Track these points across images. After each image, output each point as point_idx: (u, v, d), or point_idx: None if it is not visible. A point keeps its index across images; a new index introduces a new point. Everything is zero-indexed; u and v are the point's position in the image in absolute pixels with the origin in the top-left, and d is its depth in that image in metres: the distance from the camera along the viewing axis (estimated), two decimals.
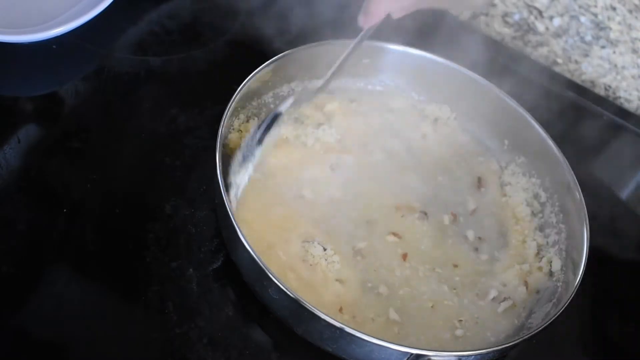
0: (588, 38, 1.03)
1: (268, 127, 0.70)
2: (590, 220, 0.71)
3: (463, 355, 0.60)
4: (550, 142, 0.77)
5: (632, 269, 0.83)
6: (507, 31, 1.05)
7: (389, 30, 0.91)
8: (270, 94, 0.79)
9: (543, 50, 1.04)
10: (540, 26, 1.04)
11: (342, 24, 0.89)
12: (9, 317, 0.62)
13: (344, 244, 0.70)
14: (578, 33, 1.03)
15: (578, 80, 1.03)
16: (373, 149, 0.79)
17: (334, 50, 0.80)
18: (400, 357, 0.59)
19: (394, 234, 0.72)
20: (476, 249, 0.74)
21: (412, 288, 0.69)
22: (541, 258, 0.74)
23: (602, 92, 1.02)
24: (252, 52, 0.90)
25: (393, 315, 0.67)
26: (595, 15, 1.01)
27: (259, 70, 0.73)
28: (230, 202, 0.63)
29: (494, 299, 0.70)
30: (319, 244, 0.69)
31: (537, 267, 0.74)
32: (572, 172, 0.75)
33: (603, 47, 1.01)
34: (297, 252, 0.68)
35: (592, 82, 1.03)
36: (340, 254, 0.69)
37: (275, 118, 0.71)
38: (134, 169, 0.75)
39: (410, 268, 0.70)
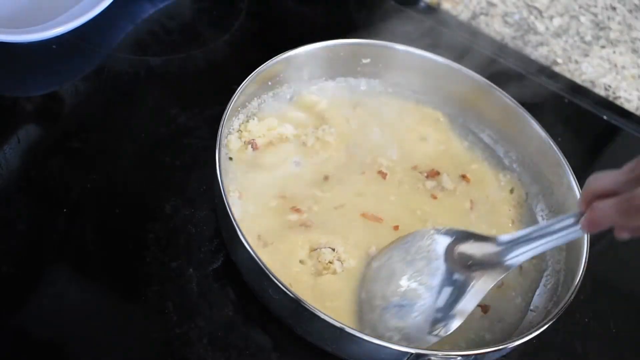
0: (588, 38, 1.03)
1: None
2: None
3: (463, 355, 0.60)
4: (551, 142, 0.77)
5: (632, 269, 0.83)
6: (507, 31, 1.05)
7: (389, 29, 0.91)
8: (270, 93, 0.79)
9: (543, 50, 1.04)
10: (540, 26, 1.04)
11: (342, 25, 0.89)
12: (9, 317, 0.62)
13: (352, 243, 0.70)
14: (578, 33, 1.03)
15: (578, 80, 1.03)
16: (373, 149, 0.79)
17: (334, 50, 0.80)
18: (400, 357, 0.59)
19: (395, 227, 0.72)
20: None
21: None
22: (541, 256, 0.74)
23: (602, 92, 1.02)
24: (252, 52, 0.90)
25: None
26: (595, 15, 1.01)
27: (259, 71, 0.73)
28: (230, 202, 0.63)
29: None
30: (325, 247, 0.68)
31: (536, 267, 0.74)
32: (572, 172, 0.75)
33: (603, 47, 1.01)
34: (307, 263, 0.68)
35: (592, 82, 1.03)
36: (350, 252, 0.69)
37: None
38: (134, 169, 0.75)
39: None
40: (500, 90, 0.81)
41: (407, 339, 0.62)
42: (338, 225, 0.71)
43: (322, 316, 0.58)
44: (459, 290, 0.62)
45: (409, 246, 0.66)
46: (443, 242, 0.65)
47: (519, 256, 0.62)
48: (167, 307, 0.65)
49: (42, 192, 0.71)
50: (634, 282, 0.83)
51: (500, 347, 0.62)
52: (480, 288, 0.62)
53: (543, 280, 0.73)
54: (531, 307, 0.71)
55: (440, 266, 0.63)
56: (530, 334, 0.62)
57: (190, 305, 0.66)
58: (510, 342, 0.62)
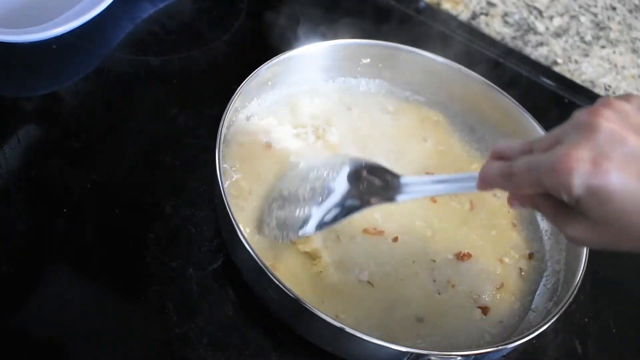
0: (588, 38, 1.03)
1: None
2: None
3: (463, 355, 0.60)
4: None
5: (632, 268, 0.83)
6: (507, 31, 1.05)
7: (389, 29, 0.91)
8: (270, 94, 0.79)
9: (543, 50, 1.04)
10: (540, 26, 1.04)
11: (342, 25, 0.89)
12: (9, 317, 0.62)
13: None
14: (578, 33, 1.03)
15: (578, 80, 1.03)
16: (372, 151, 0.79)
17: (334, 50, 0.80)
18: (400, 357, 0.59)
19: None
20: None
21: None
22: (541, 258, 0.74)
23: (602, 92, 1.02)
24: (252, 52, 0.90)
25: None
26: (595, 15, 1.01)
27: (258, 71, 0.73)
28: (230, 202, 0.63)
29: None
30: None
31: (536, 268, 0.74)
32: None
33: (603, 47, 1.01)
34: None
35: (592, 82, 1.03)
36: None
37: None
38: (134, 169, 0.75)
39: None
40: (500, 90, 0.81)
41: (279, 228, 0.67)
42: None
43: (322, 316, 0.58)
44: (342, 208, 0.65)
45: (324, 161, 0.69)
46: (352, 165, 0.67)
47: (412, 194, 0.64)
48: (167, 307, 0.65)
49: (42, 192, 0.71)
50: (634, 282, 0.83)
51: (500, 347, 0.62)
52: (360, 209, 0.65)
53: (543, 280, 0.73)
54: (531, 307, 0.71)
55: (338, 180, 0.66)
56: (530, 334, 0.62)
57: (190, 305, 0.66)
58: (510, 342, 0.62)
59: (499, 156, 0.54)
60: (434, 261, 0.71)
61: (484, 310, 0.69)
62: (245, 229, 0.67)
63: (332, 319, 0.58)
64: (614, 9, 0.99)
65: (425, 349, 0.59)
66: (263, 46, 0.91)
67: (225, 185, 0.64)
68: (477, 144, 0.84)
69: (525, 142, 0.54)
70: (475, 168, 0.81)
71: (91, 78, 0.83)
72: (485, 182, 0.55)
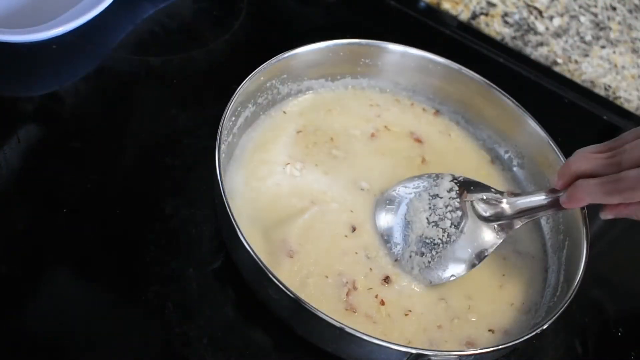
0: (588, 38, 1.03)
1: None
2: (590, 220, 0.71)
3: (463, 355, 0.60)
4: (551, 142, 0.77)
5: (632, 268, 0.83)
6: (507, 31, 1.06)
7: (389, 29, 0.91)
8: (270, 93, 0.79)
9: (543, 50, 1.04)
10: (540, 26, 1.04)
11: (342, 25, 0.89)
12: (9, 317, 0.62)
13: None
14: (578, 33, 1.03)
15: (578, 80, 1.03)
16: (372, 148, 0.79)
17: (334, 50, 0.80)
18: (400, 357, 0.59)
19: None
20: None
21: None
22: (541, 258, 0.74)
23: (602, 92, 1.02)
24: (252, 52, 0.90)
25: None
26: (595, 15, 1.01)
27: (259, 71, 0.73)
28: (230, 202, 0.63)
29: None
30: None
31: (536, 267, 0.74)
32: None
33: (603, 47, 1.01)
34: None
35: (592, 82, 1.03)
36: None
37: None
38: (134, 169, 0.75)
39: None
40: (500, 90, 0.81)
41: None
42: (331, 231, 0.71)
43: (322, 316, 0.58)
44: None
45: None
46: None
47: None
48: (167, 307, 0.65)
49: (42, 192, 0.71)
50: (634, 282, 0.83)
51: (500, 347, 0.62)
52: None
53: (543, 280, 0.73)
54: (531, 307, 0.71)
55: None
56: (530, 334, 0.62)
57: (190, 305, 0.66)
58: (510, 342, 0.62)
59: (580, 175, 0.60)
60: None
61: None
62: (245, 229, 0.67)
63: (332, 319, 0.58)
64: (614, 9, 0.99)
65: (425, 349, 0.59)
66: (263, 46, 0.91)
67: (225, 185, 0.64)
68: (477, 143, 0.84)
69: (605, 155, 0.59)
70: (474, 168, 0.81)
71: (91, 78, 0.83)
72: (579, 200, 0.60)
